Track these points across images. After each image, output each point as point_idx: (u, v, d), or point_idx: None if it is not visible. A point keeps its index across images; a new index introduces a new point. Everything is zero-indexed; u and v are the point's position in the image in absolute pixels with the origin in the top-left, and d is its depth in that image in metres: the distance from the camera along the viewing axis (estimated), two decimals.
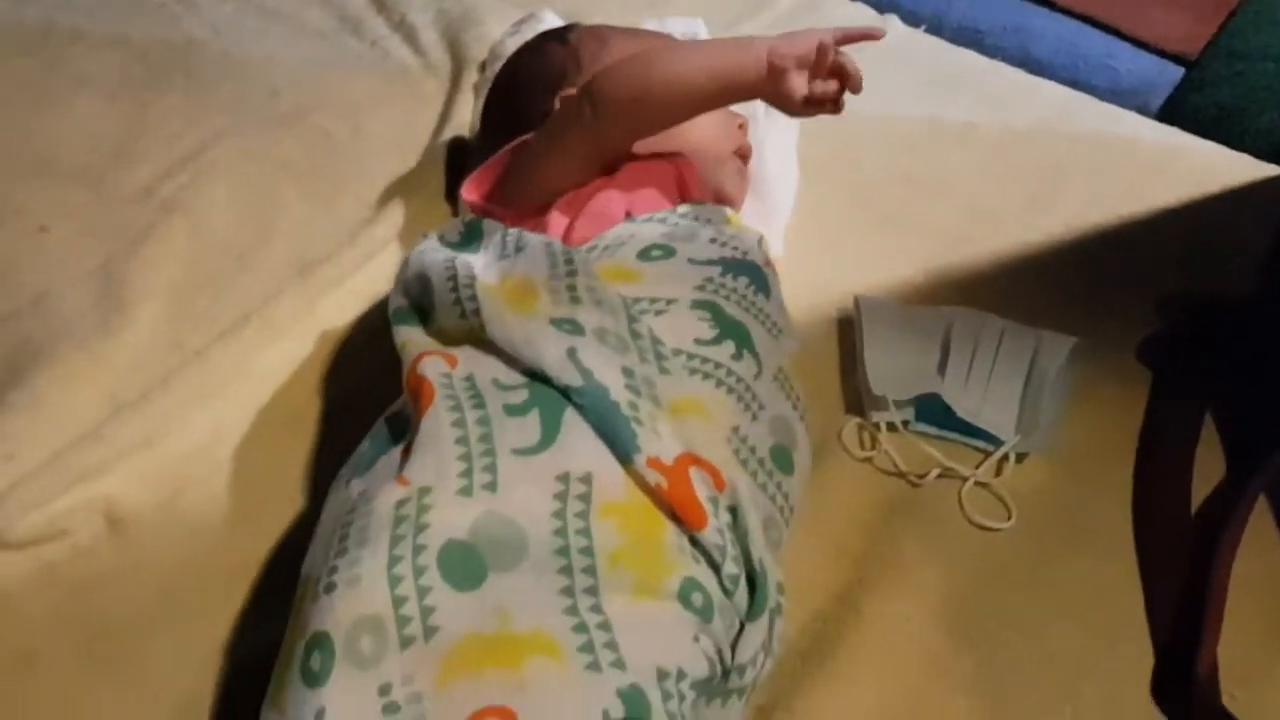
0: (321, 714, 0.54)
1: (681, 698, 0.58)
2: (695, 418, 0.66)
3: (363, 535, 0.59)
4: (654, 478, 0.62)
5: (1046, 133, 1.22)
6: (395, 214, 1.00)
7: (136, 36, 1.17)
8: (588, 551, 0.60)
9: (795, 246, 1.01)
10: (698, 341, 0.70)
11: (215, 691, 0.68)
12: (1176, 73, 1.37)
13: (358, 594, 0.57)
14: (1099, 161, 1.19)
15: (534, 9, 1.23)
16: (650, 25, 1.18)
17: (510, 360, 0.67)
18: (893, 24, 1.35)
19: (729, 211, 0.85)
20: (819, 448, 0.81)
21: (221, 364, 0.85)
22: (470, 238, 0.79)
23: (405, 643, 0.56)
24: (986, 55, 1.34)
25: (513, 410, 0.64)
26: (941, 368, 0.89)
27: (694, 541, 0.62)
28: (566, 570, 0.59)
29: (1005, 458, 0.85)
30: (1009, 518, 0.82)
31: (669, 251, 0.77)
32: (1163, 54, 1.39)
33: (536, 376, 0.66)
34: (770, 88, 0.81)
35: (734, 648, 0.62)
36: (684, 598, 0.60)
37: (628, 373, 0.66)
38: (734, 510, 0.64)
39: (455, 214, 1.00)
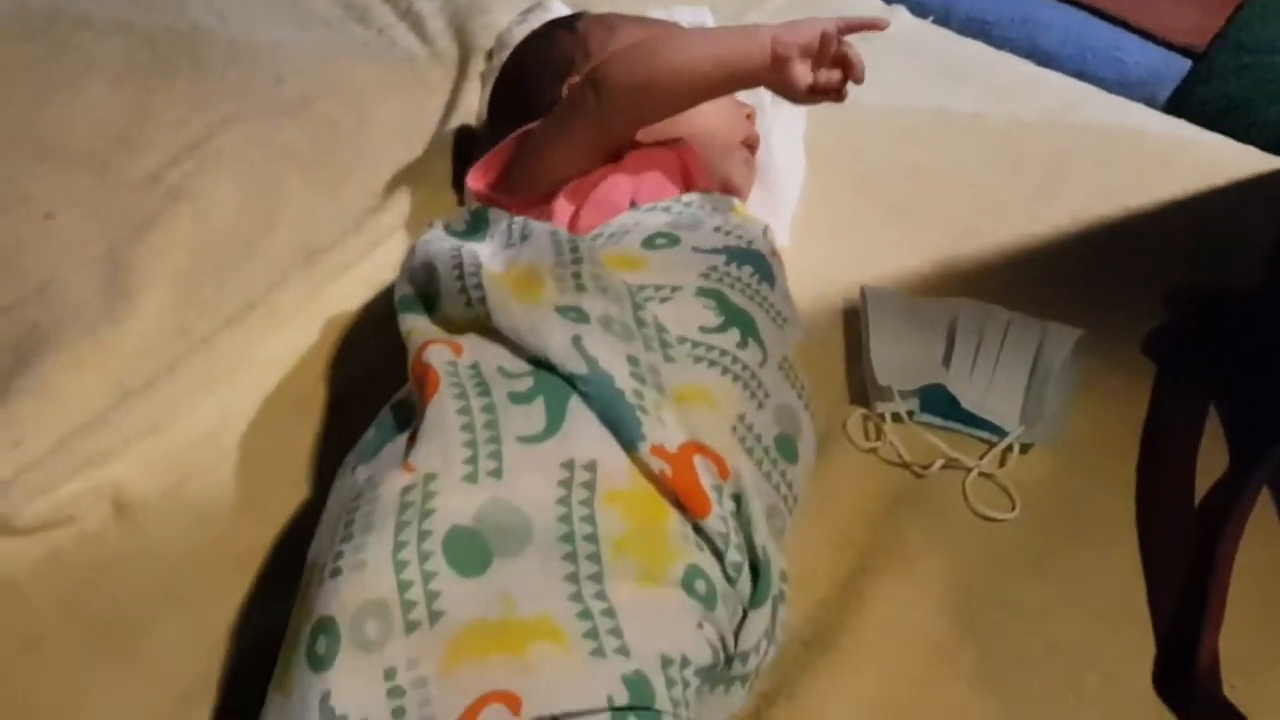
0: (327, 697, 0.55)
1: (685, 684, 0.58)
2: (700, 405, 0.66)
3: (368, 521, 0.59)
4: (658, 465, 0.62)
5: (1054, 124, 1.21)
6: (401, 202, 0.99)
7: (142, 22, 1.17)
8: (592, 538, 0.60)
9: (801, 236, 1.00)
10: (703, 329, 0.70)
11: (221, 676, 0.68)
12: (1184, 65, 1.37)
13: (363, 579, 0.57)
14: (1106, 153, 1.18)
15: None
16: (657, 13, 1.17)
17: (515, 348, 0.67)
18: (900, 14, 1.35)
19: (735, 201, 0.85)
20: (824, 437, 0.81)
21: (227, 351, 0.85)
22: (476, 226, 0.79)
23: (410, 627, 0.56)
24: (994, 46, 1.34)
25: (518, 398, 0.64)
26: (947, 359, 0.89)
27: (698, 529, 0.62)
28: (571, 557, 0.59)
29: (1010, 449, 0.85)
30: (1013, 508, 0.82)
31: (674, 239, 0.76)
32: (1170, 46, 1.39)
33: (542, 364, 0.66)
34: (774, 76, 0.82)
35: (737, 635, 0.62)
36: (688, 585, 0.60)
37: (632, 360, 0.66)
38: (738, 498, 0.64)
39: (461, 202, 1.00)
